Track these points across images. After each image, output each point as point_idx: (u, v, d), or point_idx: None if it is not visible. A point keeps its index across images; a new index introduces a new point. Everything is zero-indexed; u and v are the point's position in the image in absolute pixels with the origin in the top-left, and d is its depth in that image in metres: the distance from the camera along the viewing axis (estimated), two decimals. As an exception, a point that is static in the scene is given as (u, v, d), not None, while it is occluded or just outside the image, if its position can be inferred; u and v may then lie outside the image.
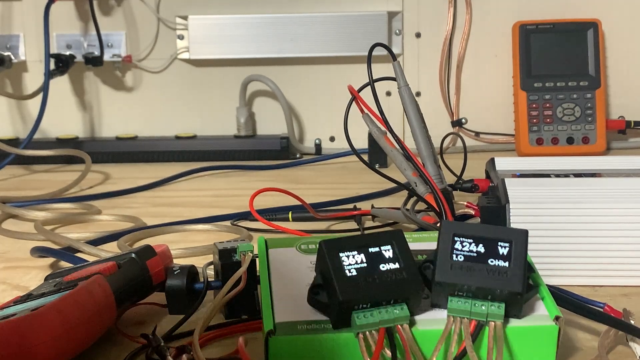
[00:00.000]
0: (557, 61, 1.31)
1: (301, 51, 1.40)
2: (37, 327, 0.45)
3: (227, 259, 0.57)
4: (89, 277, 0.53)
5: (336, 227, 0.88)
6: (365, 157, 1.25)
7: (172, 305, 0.58)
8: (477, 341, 0.46)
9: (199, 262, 0.65)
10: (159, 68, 1.45)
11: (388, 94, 1.36)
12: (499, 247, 0.47)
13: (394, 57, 0.77)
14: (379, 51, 0.74)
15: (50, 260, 0.76)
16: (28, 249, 0.77)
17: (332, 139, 1.44)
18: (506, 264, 0.47)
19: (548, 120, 1.30)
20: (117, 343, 0.54)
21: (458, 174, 0.90)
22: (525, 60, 1.32)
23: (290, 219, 0.88)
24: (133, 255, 0.58)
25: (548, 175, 0.75)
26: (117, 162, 1.38)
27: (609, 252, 0.63)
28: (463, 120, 1.42)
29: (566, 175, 0.74)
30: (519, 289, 0.46)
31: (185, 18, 1.41)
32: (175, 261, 0.64)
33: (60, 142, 1.40)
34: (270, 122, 1.44)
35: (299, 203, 0.83)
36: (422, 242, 0.55)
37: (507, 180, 0.69)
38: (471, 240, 0.48)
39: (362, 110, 0.76)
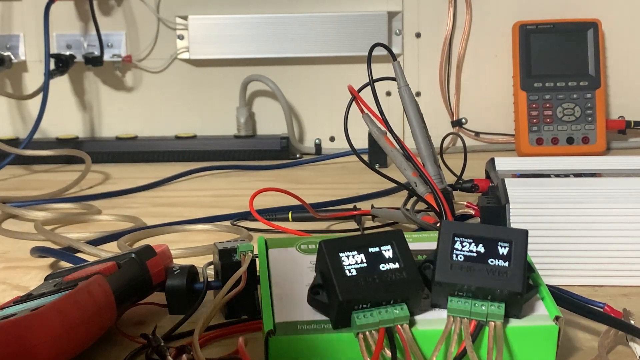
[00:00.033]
0: (557, 61, 1.31)
1: (301, 51, 1.40)
2: (37, 327, 0.45)
3: (227, 259, 0.57)
4: (89, 277, 0.53)
5: (336, 227, 0.88)
6: (365, 157, 1.25)
7: (172, 305, 0.58)
8: (477, 341, 0.46)
9: (199, 262, 0.65)
10: (159, 68, 1.45)
11: (388, 94, 1.36)
12: (499, 247, 0.47)
13: (394, 57, 0.77)
14: (379, 51, 0.74)
15: (50, 260, 0.76)
16: (28, 249, 0.77)
17: (332, 139, 1.44)
18: (506, 264, 0.47)
19: (548, 120, 1.30)
20: (117, 343, 0.54)
21: (458, 174, 0.90)
22: (525, 60, 1.32)
23: (290, 219, 0.88)
24: (133, 255, 0.58)
25: (548, 175, 0.75)
26: (117, 162, 1.38)
27: (609, 252, 0.63)
28: (463, 120, 1.42)
29: (566, 175, 0.74)
30: (519, 289, 0.46)
31: (185, 18, 1.41)
32: (175, 261, 0.64)
33: (60, 142, 1.40)
34: (270, 122, 1.44)
35: (299, 203, 0.83)
36: (422, 242, 0.55)
37: (507, 180, 0.69)
38: (471, 240, 0.48)
39: (362, 110, 0.76)
